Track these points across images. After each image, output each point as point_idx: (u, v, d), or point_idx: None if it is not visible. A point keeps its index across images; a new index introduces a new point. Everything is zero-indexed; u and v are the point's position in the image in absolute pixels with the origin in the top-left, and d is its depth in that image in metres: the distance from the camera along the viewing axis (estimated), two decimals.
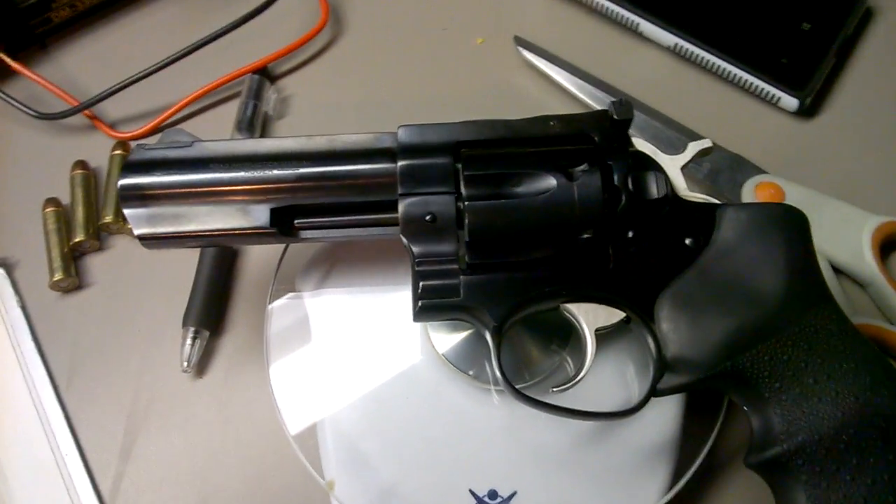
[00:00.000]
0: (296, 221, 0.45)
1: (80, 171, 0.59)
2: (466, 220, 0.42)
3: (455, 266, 0.43)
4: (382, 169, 0.44)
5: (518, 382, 0.47)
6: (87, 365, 0.55)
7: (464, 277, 0.43)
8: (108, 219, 0.57)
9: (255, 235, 0.45)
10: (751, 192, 0.56)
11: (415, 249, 0.43)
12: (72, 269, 0.57)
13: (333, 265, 0.52)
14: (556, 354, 0.49)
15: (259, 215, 0.44)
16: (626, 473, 0.47)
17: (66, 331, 0.56)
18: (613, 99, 0.59)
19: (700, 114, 0.60)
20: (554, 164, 0.43)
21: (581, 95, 0.61)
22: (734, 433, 0.49)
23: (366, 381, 0.49)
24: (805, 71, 0.60)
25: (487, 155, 0.44)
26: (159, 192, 0.44)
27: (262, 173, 0.44)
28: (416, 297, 0.43)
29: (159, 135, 0.46)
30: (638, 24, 0.63)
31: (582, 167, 0.43)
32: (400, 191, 0.43)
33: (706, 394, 0.48)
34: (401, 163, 0.44)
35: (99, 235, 0.58)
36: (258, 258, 0.58)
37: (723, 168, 0.58)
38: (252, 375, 0.54)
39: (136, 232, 0.44)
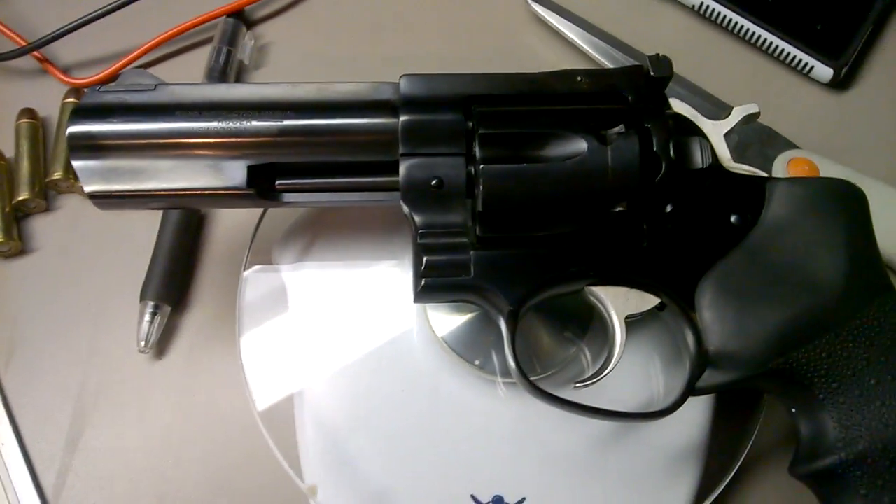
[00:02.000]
0: (277, 182, 0.39)
1: (26, 121, 0.52)
2: (480, 187, 0.36)
3: (464, 239, 0.37)
4: (381, 124, 0.38)
5: (528, 374, 0.41)
6: (28, 342, 0.49)
7: (474, 253, 0.37)
8: (58, 175, 0.50)
9: (228, 197, 0.38)
10: (783, 169, 0.51)
11: (417, 219, 0.37)
12: (14, 232, 0.50)
13: (316, 235, 0.46)
14: (571, 344, 0.43)
15: (233, 173, 0.38)
16: (647, 481, 0.43)
17: (5, 302, 0.49)
18: (633, 61, 0.54)
19: (726, 82, 0.55)
20: (584, 124, 0.37)
21: (597, 56, 0.55)
22: (769, 433, 0.44)
23: (353, 368, 0.43)
24: (841, 39, 0.55)
25: (505, 112, 0.37)
26: (115, 141, 0.37)
27: (238, 124, 0.37)
28: (418, 275, 0.37)
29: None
30: None
31: (617, 129, 0.37)
32: (401, 150, 0.37)
33: (740, 393, 0.42)
34: (403, 118, 0.37)
35: (46, 194, 0.51)
36: (228, 226, 0.51)
37: (752, 141, 0.52)
38: (218, 358, 0.48)
39: (87, 189, 0.38)
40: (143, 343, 0.46)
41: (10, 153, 0.52)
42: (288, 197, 0.39)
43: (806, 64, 0.55)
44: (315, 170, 0.38)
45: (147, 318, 0.47)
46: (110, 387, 0.47)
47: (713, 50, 0.57)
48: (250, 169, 0.38)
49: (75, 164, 0.37)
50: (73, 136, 0.37)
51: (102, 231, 0.51)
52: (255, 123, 0.37)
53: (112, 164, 0.37)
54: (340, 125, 0.38)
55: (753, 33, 0.56)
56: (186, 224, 0.49)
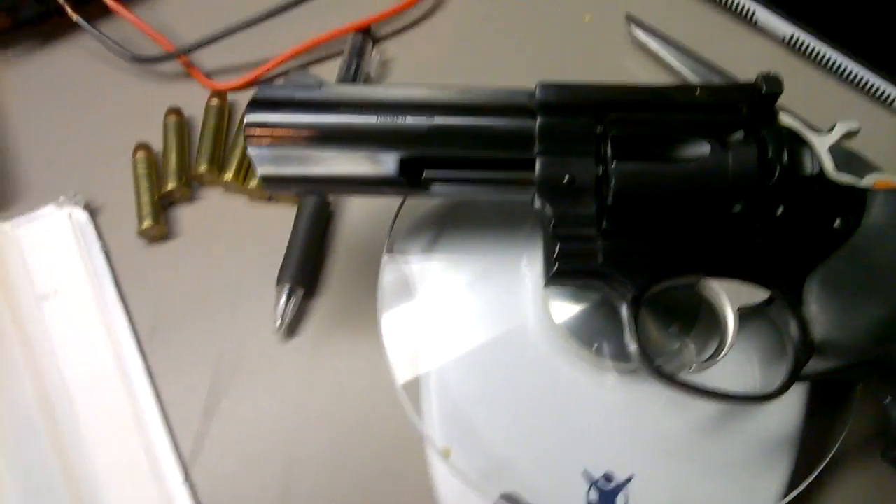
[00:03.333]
0: (424, 173, 0.43)
1: (174, 118, 0.57)
2: (613, 183, 0.40)
3: (593, 230, 0.41)
4: (520, 125, 0.42)
5: (631, 362, 0.45)
6: (171, 318, 0.53)
7: (603, 242, 0.41)
8: (203, 168, 0.55)
9: (380, 184, 0.43)
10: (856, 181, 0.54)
11: (551, 210, 0.41)
12: (161, 218, 0.54)
13: (442, 230, 0.50)
14: (676, 339, 0.46)
15: (387, 164, 0.42)
16: (744, 466, 0.45)
17: (151, 281, 0.54)
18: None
19: (812, 110, 0.57)
20: (706, 130, 0.41)
21: (695, 79, 0.59)
22: (861, 425, 0.47)
23: (479, 349, 0.47)
24: None
25: (635, 117, 0.42)
26: (287, 131, 0.42)
27: (393, 120, 0.42)
28: (551, 260, 0.41)
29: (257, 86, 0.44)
30: (754, 12, 0.61)
31: (737, 136, 0.41)
32: (538, 149, 0.41)
33: (833, 384, 0.46)
34: (540, 120, 0.42)
35: (191, 185, 0.56)
36: (355, 219, 0.55)
37: (837, 163, 0.55)
38: (345, 340, 0.52)
39: (260, 172, 0.42)
40: (278, 323, 0.50)
41: (157, 147, 0.57)
42: (435, 187, 0.43)
43: (890, 95, 0.59)
44: (458, 163, 0.42)
45: (283, 299, 0.51)
46: (246, 361, 0.51)
47: (800, 79, 0.60)
48: (402, 161, 0.42)
49: (251, 150, 0.42)
50: (250, 125, 0.42)
51: (241, 221, 0.55)
52: (408, 120, 0.42)
53: (283, 152, 0.42)
54: (485, 125, 0.42)
55: (840, 64, 0.59)
56: (319, 216, 0.53)
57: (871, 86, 0.59)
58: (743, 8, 0.61)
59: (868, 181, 0.55)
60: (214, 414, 0.50)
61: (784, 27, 0.60)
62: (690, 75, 0.59)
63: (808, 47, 0.60)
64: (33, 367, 0.50)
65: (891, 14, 0.60)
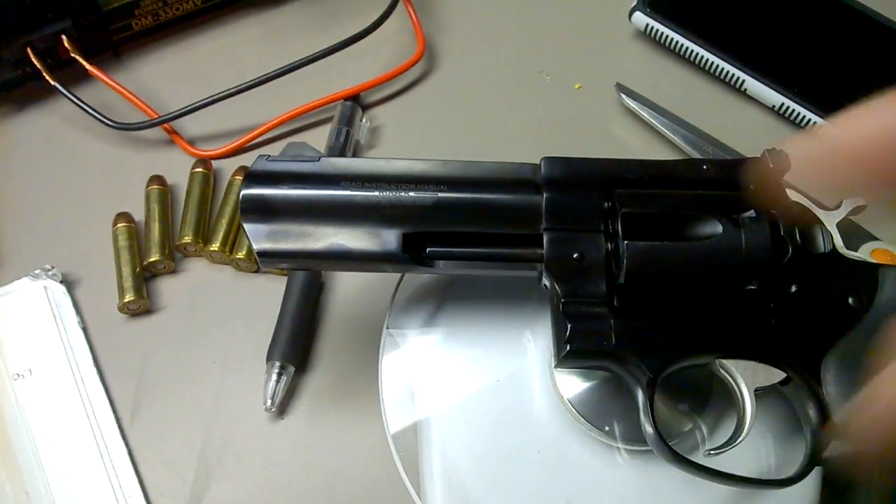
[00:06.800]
0: (428, 249, 0.41)
1: (157, 187, 0.55)
2: (625, 261, 0.39)
3: (605, 309, 0.40)
4: (526, 200, 0.41)
5: (641, 443, 0.43)
6: (154, 398, 0.50)
7: (615, 322, 0.39)
8: (188, 239, 0.53)
9: (383, 260, 0.41)
10: (867, 258, 0.54)
11: (560, 288, 0.40)
12: (143, 291, 0.52)
13: (442, 303, 0.48)
14: (688, 418, 0.45)
15: (389, 239, 0.40)
16: None
17: (132, 358, 0.51)
18: (721, 153, 0.57)
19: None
20: (717, 208, 0.40)
21: (687, 147, 0.58)
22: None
23: (482, 427, 0.45)
24: None
25: (644, 194, 0.41)
26: (285, 206, 0.40)
27: (397, 195, 0.40)
28: (562, 341, 0.39)
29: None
30: (743, 81, 0.61)
31: (748, 214, 0.40)
32: (545, 225, 0.40)
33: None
34: (547, 195, 0.41)
35: (174, 257, 0.54)
36: (347, 291, 0.53)
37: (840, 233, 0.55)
38: (339, 417, 0.49)
39: (256, 247, 0.40)
40: (269, 402, 0.48)
41: (138, 217, 0.54)
42: (438, 264, 0.41)
43: None
44: (463, 239, 0.41)
45: (274, 377, 0.48)
46: (235, 443, 0.48)
47: None
48: (405, 236, 0.40)
49: (246, 225, 0.40)
50: (246, 199, 0.40)
51: (228, 293, 0.53)
52: (412, 195, 0.40)
53: (280, 227, 0.40)
54: (490, 200, 0.41)
55: None
56: (310, 288, 0.51)
57: None
58: (732, 77, 0.61)
59: (865, 251, 0.55)
60: (202, 500, 0.47)
61: (773, 96, 0.60)
62: (682, 143, 0.59)
63: (797, 115, 0.60)
64: (5, 452, 0.47)
65: (880, 81, 0.60)
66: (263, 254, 0.41)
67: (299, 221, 0.40)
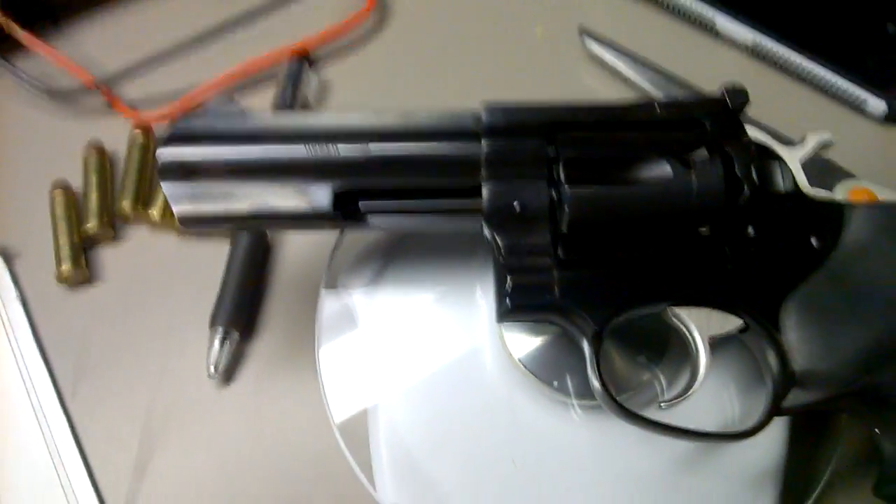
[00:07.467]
0: (360, 203, 0.39)
1: (94, 154, 0.52)
2: (566, 209, 0.36)
3: (549, 261, 0.37)
4: (465, 150, 0.38)
5: (595, 399, 0.41)
6: (96, 369, 0.48)
7: (558, 273, 0.37)
8: (127, 205, 0.50)
9: (313, 219, 0.39)
10: (843, 197, 0.51)
11: (501, 241, 0.37)
12: (81, 261, 0.50)
13: (388, 261, 0.46)
14: (644, 369, 0.43)
15: (319, 197, 0.38)
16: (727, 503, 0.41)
17: (72, 330, 0.49)
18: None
19: (781, 118, 0.55)
20: (667, 149, 0.37)
21: (655, 91, 0.55)
22: (851, 455, 0.43)
23: (428, 387, 0.43)
24: (892, 74, 0.56)
25: (589, 137, 0.38)
26: (206, 166, 0.38)
27: (325, 150, 0.38)
28: (502, 295, 0.37)
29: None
30: (714, 20, 0.58)
31: (700, 153, 0.37)
32: (485, 175, 0.38)
33: (817, 415, 0.42)
34: (486, 144, 0.38)
35: (114, 224, 0.51)
36: (293, 255, 0.51)
37: (810, 172, 0.53)
38: (287, 382, 0.47)
39: (176, 210, 0.38)
40: (212, 368, 0.46)
41: (77, 186, 0.52)
42: (372, 220, 0.39)
43: (859, 98, 0.56)
44: (398, 194, 0.39)
45: (217, 343, 0.47)
46: (179, 411, 0.47)
47: (767, 87, 0.58)
48: (336, 193, 0.38)
49: (165, 187, 0.38)
50: (163, 160, 0.38)
51: (169, 260, 0.51)
52: (342, 150, 0.38)
53: (201, 188, 0.38)
54: (426, 152, 0.38)
55: (806, 69, 0.57)
56: (254, 253, 0.49)
57: (840, 89, 0.56)
58: (703, 17, 0.58)
59: (841, 190, 0.52)
60: (147, 471, 0.46)
61: (746, 34, 0.57)
62: (650, 88, 0.56)
63: (772, 53, 0.57)
64: None
65: (855, 15, 0.57)
66: (185, 217, 0.38)
67: (220, 181, 0.38)
